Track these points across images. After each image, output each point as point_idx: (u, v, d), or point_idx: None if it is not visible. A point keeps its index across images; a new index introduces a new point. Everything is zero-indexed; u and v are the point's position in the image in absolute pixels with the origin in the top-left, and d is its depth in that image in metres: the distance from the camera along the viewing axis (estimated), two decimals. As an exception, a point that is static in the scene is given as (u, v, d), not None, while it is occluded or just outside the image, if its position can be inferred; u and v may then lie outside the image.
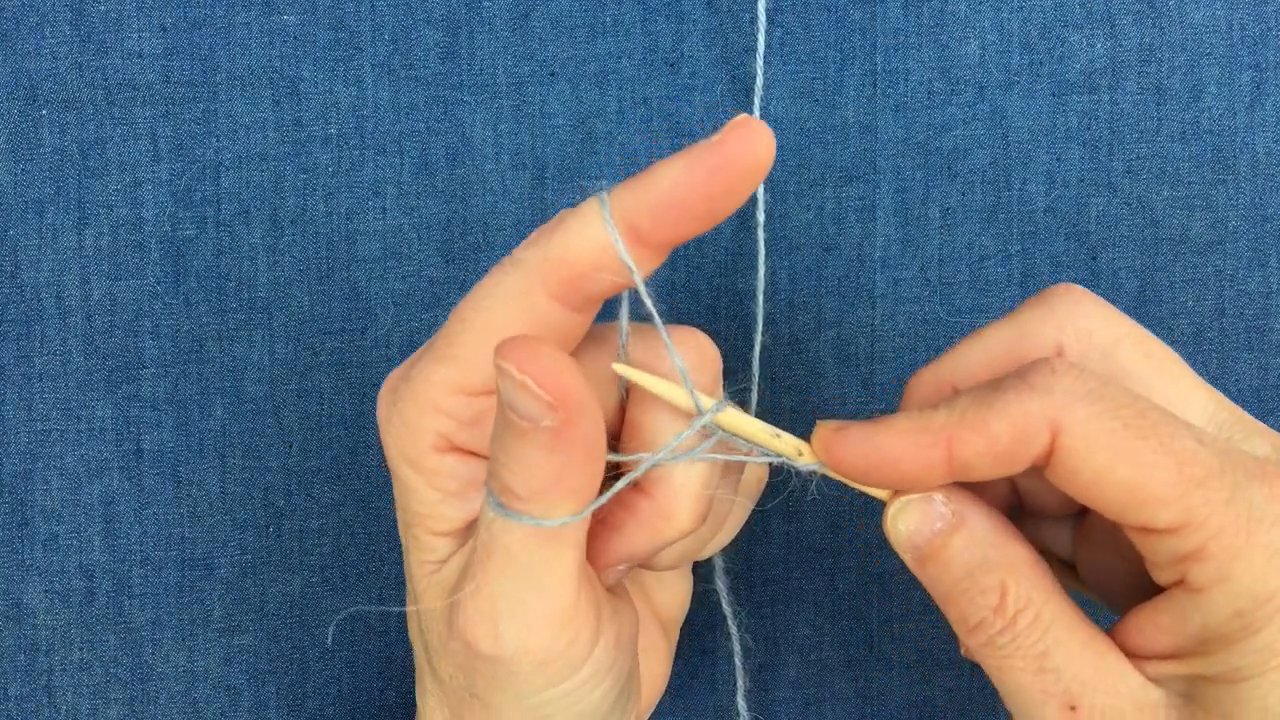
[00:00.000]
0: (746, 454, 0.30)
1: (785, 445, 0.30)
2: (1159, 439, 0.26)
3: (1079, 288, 0.31)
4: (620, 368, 0.29)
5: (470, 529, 0.31)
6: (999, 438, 0.27)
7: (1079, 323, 0.30)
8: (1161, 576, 0.27)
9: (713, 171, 0.28)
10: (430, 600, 0.31)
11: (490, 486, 0.28)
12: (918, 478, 0.28)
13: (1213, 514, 0.26)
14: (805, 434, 0.30)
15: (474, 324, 0.29)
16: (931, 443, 0.28)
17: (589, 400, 0.27)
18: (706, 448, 0.30)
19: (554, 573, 0.28)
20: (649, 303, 0.29)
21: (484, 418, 0.30)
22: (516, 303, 0.29)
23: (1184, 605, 0.27)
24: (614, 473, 0.30)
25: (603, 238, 0.28)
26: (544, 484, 0.27)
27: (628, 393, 0.31)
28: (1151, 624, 0.28)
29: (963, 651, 0.31)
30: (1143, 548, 0.27)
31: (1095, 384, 0.27)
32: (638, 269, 0.28)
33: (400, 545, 0.42)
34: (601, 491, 0.29)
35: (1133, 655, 0.29)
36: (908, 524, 0.30)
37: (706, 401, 0.30)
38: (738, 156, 0.28)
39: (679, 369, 0.29)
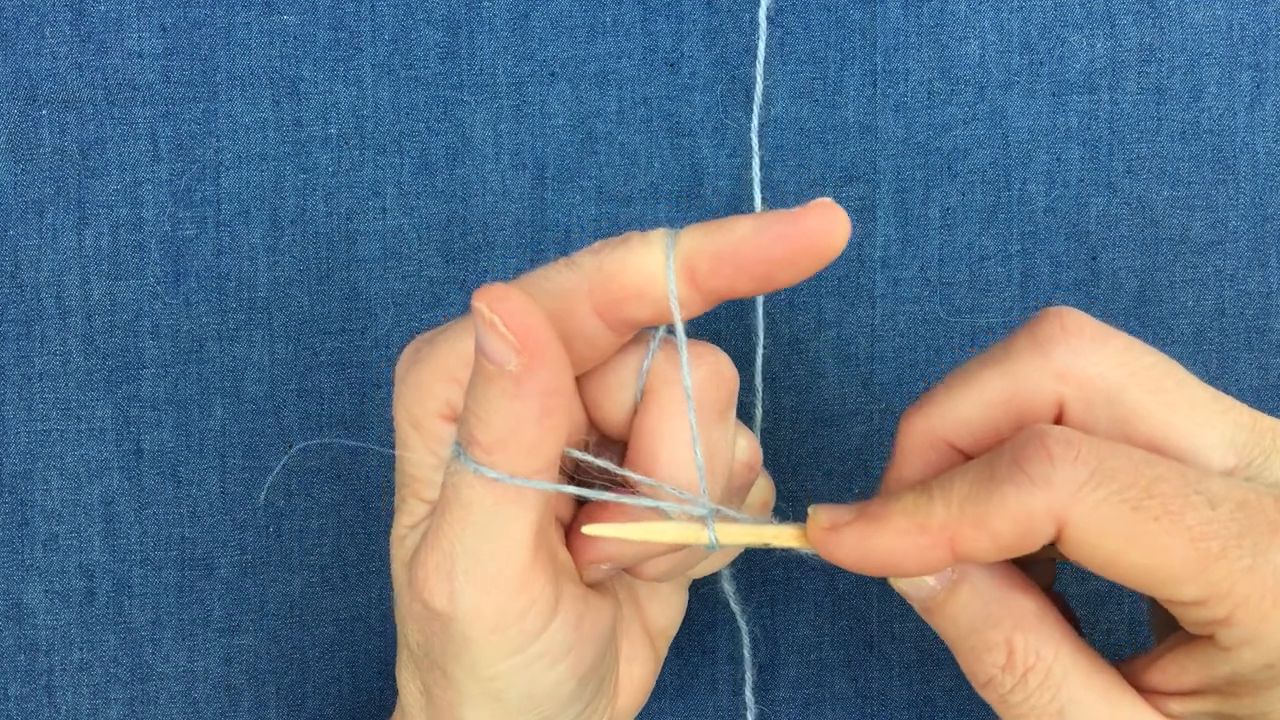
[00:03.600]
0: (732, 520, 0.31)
1: (786, 541, 0.30)
2: (1170, 516, 0.25)
3: (1073, 316, 0.29)
4: (600, 527, 0.30)
5: None
6: (1002, 535, 0.26)
7: (1079, 370, 0.28)
8: (1189, 629, 0.27)
9: (782, 238, 0.28)
10: (398, 562, 0.31)
11: (458, 436, 0.28)
12: (921, 572, 0.28)
13: (1236, 584, 0.25)
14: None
15: None
16: (932, 544, 0.27)
17: (555, 350, 0.27)
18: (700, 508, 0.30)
19: (509, 531, 0.28)
20: (682, 341, 0.30)
21: None
22: (559, 301, 0.29)
23: (1212, 656, 0.27)
24: (616, 478, 0.30)
25: (658, 268, 0.29)
26: (504, 433, 0.27)
27: (642, 397, 0.31)
28: (1177, 666, 0.28)
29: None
30: (1169, 608, 0.27)
31: (1095, 462, 0.26)
32: (681, 309, 0.29)
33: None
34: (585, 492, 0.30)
35: (1154, 692, 0.28)
36: (910, 579, 0.30)
37: (694, 532, 0.30)
38: (811, 233, 0.28)
39: (698, 461, 0.30)
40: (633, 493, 0.30)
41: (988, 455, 0.27)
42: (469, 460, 0.28)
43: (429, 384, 0.30)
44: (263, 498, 0.42)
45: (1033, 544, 0.26)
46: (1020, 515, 0.26)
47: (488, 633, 0.29)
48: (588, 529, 0.30)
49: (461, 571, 0.28)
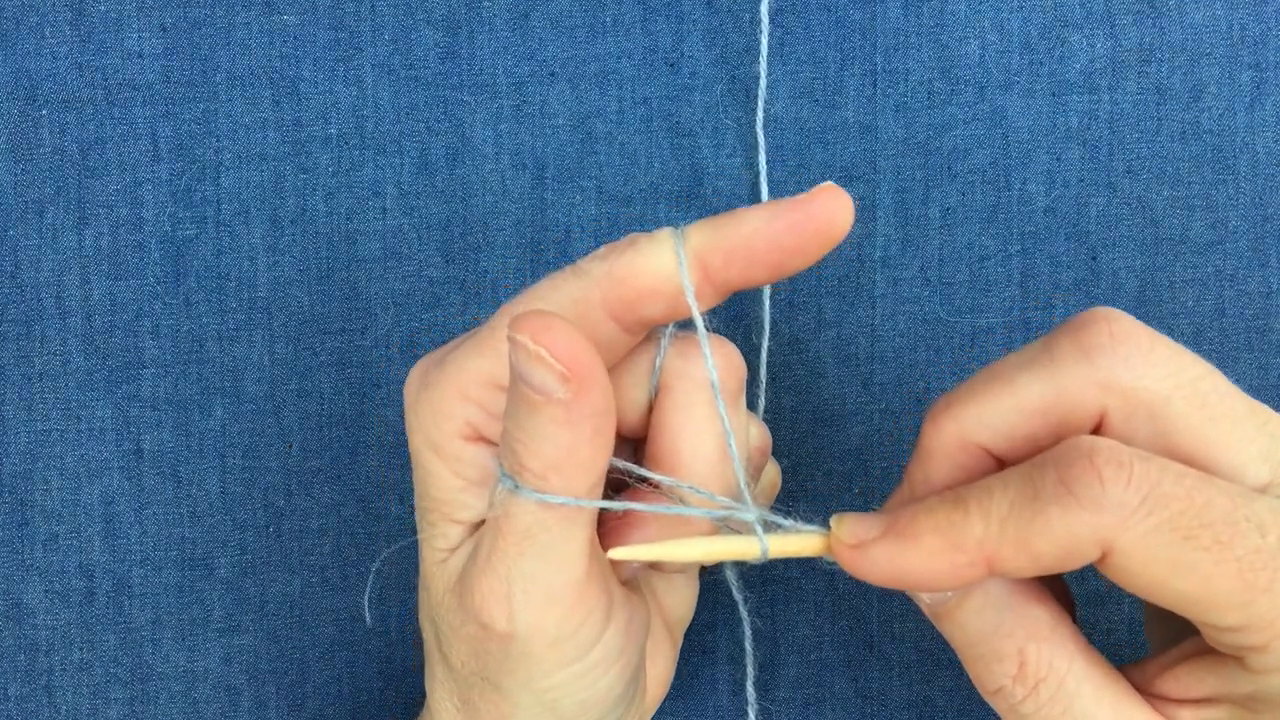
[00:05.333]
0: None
1: (811, 551, 0.29)
2: (1220, 546, 0.25)
3: (1121, 323, 0.27)
4: (646, 548, 0.29)
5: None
6: (1043, 557, 0.25)
7: (1127, 382, 0.27)
8: (1217, 647, 0.27)
9: (792, 227, 0.28)
10: (439, 586, 0.31)
11: (503, 464, 0.28)
12: (953, 588, 0.27)
13: (1279, 616, 0.25)
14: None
15: None
16: (969, 562, 0.26)
17: (600, 372, 0.27)
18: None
19: (567, 550, 0.28)
20: (703, 335, 0.30)
21: None
22: (571, 309, 0.29)
23: (1235, 674, 0.27)
24: (631, 476, 0.30)
25: (670, 267, 0.29)
26: (557, 458, 0.27)
27: (656, 393, 0.31)
28: (1192, 677, 0.27)
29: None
30: (1200, 628, 0.27)
31: (1148, 488, 0.25)
32: (698, 304, 0.29)
33: (400, 546, 0.42)
34: (622, 496, 0.30)
35: (1163, 699, 0.28)
36: None
37: (746, 546, 0.29)
38: (820, 218, 0.28)
39: (735, 461, 0.30)
40: (655, 489, 0.30)
41: (1028, 468, 0.26)
42: (522, 488, 0.28)
43: (444, 406, 0.30)
44: (372, 577, 0.42)
45: (1073, 566, 0.26)
46: (1065, 538, 0.25)
47: (547, 647, 0.29)
48: (616, 553, 0.29)
49: (520, 592, 0.28)
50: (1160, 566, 0.25)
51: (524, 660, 0.29)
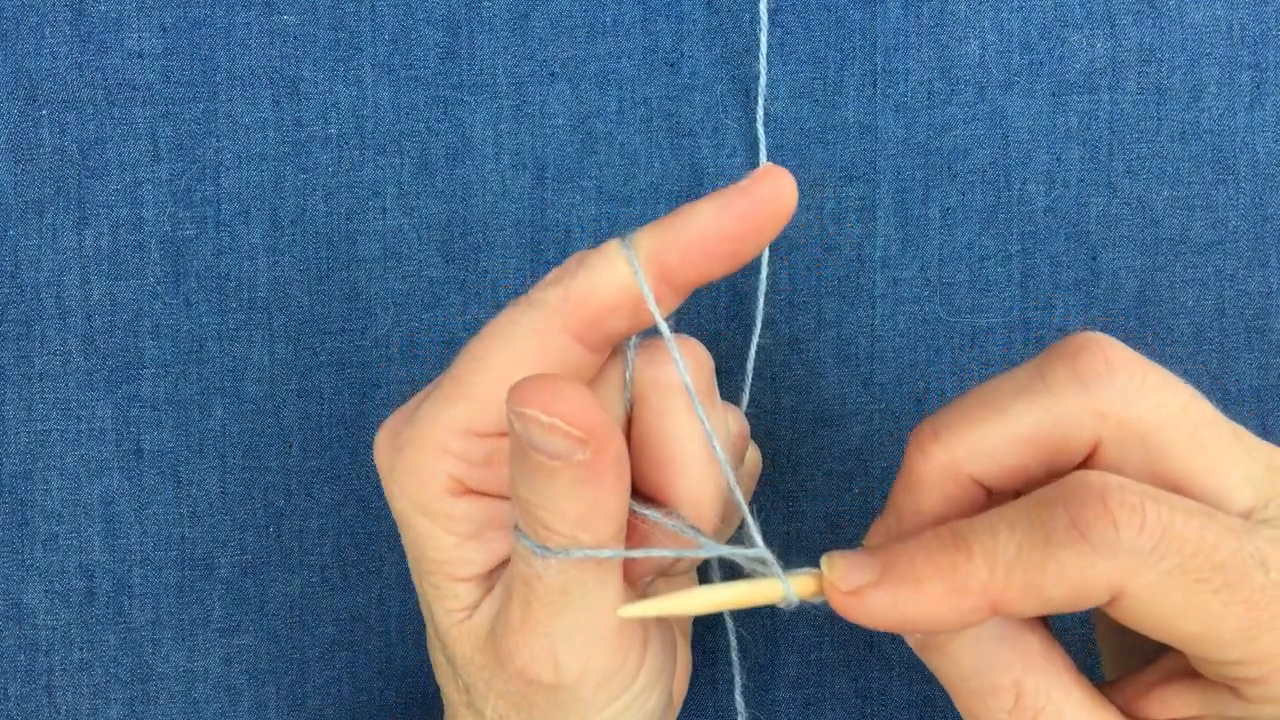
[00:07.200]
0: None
1: (803, 594, 0.28)
2: (1230, 587, 0.25)
3: (1116, 351, 0.27)
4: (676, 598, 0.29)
5: (493, 572, 0.30)
6: (1053, 601, 0.25)
7: (1121, 410, 0.27)
8: (1210, 676, 0.27)
9: (741, 214, 0.28)
10: (465, 648, 0.30)
11: (524, 529, 0.28)
12: (954, 630, 0.27)
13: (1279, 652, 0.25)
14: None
15: (488, 363, 0.29)
16: (973, 607, 0.25)
17: (612, 423, 0.27)
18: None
19: (603, 597, 0.28)
20: (669, 338, 0.29)
21: (496, 458, 0.29)
22: (535, 341, 0.28)
23: (1228, 701, 0.26)
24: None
25: (626, 278, 0.28)
26: (582, 516, 0.27)
27: (632, 405, 0.31)
28: (1179, 700, 0.27)
29: None
30: (1193, 659, 0.27)
31: (1160, 531, 0.24)
32: (660, 309, 0.29)
33: (400, 546, 0.42)
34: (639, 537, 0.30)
35: (1150, 718, 0.28)
36: None
37: (768, 587, 0.29)
38: (766, 201, 0.28)
39: (733, 489, 0.30)
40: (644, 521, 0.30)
41: (1034, 507, 0.26)
42: (548, 550, 0.27)
43: (425, 465, 0.29)
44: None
45: (1080, 608, 0.25)
46: (1077, 583, 0.25)
47: (596, 688, 0.29)
48: (626, 611, 0.28)
49: (563, 645, 0.28)
50: (1170, 609, 0.25)
51: (575, 705, 0.29)
